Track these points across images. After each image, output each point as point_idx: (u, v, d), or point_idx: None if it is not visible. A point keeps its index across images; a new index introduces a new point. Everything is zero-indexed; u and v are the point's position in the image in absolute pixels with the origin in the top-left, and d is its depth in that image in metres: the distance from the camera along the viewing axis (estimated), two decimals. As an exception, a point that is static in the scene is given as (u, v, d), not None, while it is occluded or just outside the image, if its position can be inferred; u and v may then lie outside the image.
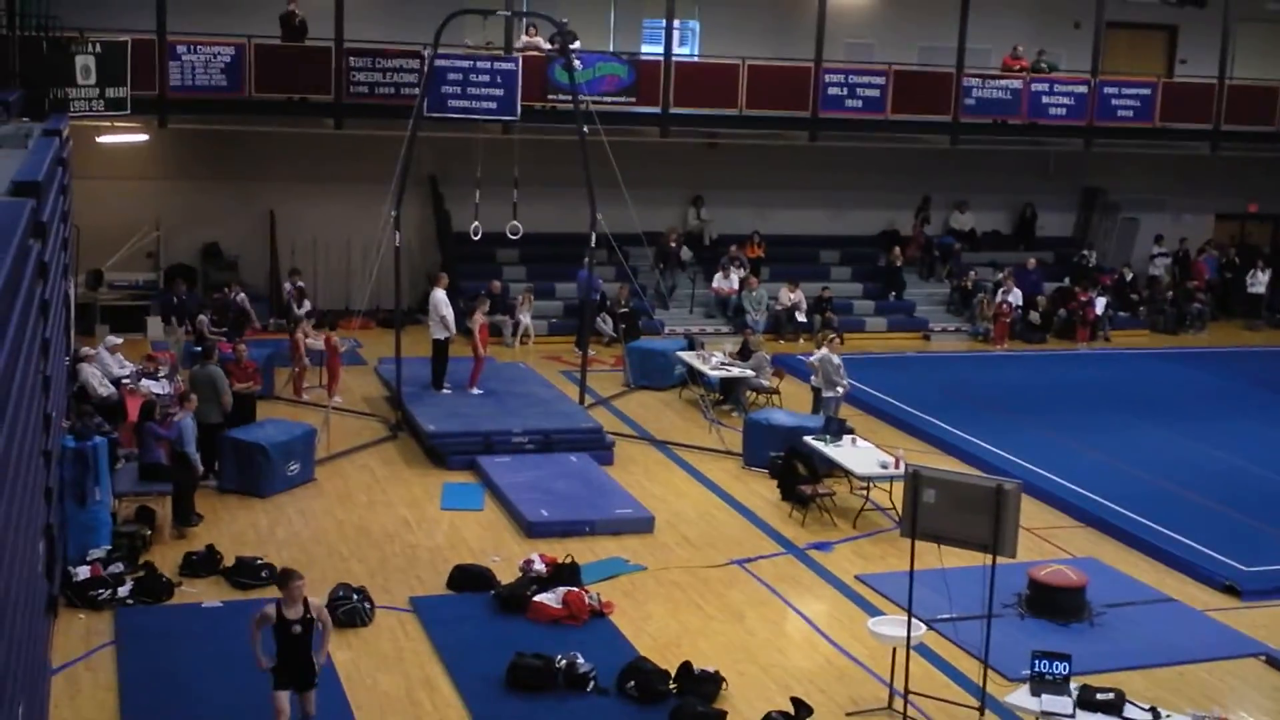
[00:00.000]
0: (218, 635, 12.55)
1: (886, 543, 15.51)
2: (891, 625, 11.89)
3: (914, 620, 11.59)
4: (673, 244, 26.44)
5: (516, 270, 26.70)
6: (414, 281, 25.15)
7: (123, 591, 13.24)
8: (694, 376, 21.25)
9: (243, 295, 22.44)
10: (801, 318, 26.60)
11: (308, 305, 22.74)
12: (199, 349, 18.51)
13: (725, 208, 28.54)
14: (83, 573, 13.27)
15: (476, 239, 20.77)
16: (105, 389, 17.55)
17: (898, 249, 28.83)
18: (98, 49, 20.35)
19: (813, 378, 19.18)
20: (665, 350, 22.46)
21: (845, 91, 26.27)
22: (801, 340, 26.09)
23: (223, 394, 16.51)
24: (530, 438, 17.86)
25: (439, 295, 19.77)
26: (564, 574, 13.80)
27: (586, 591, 13.50)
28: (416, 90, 21.00)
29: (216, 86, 22.68)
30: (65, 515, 13.50)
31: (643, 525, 15.74)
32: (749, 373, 20.95)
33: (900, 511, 12.65)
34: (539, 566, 13.92)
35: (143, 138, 23.49)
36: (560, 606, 13.21)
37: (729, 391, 21.13)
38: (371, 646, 12.57)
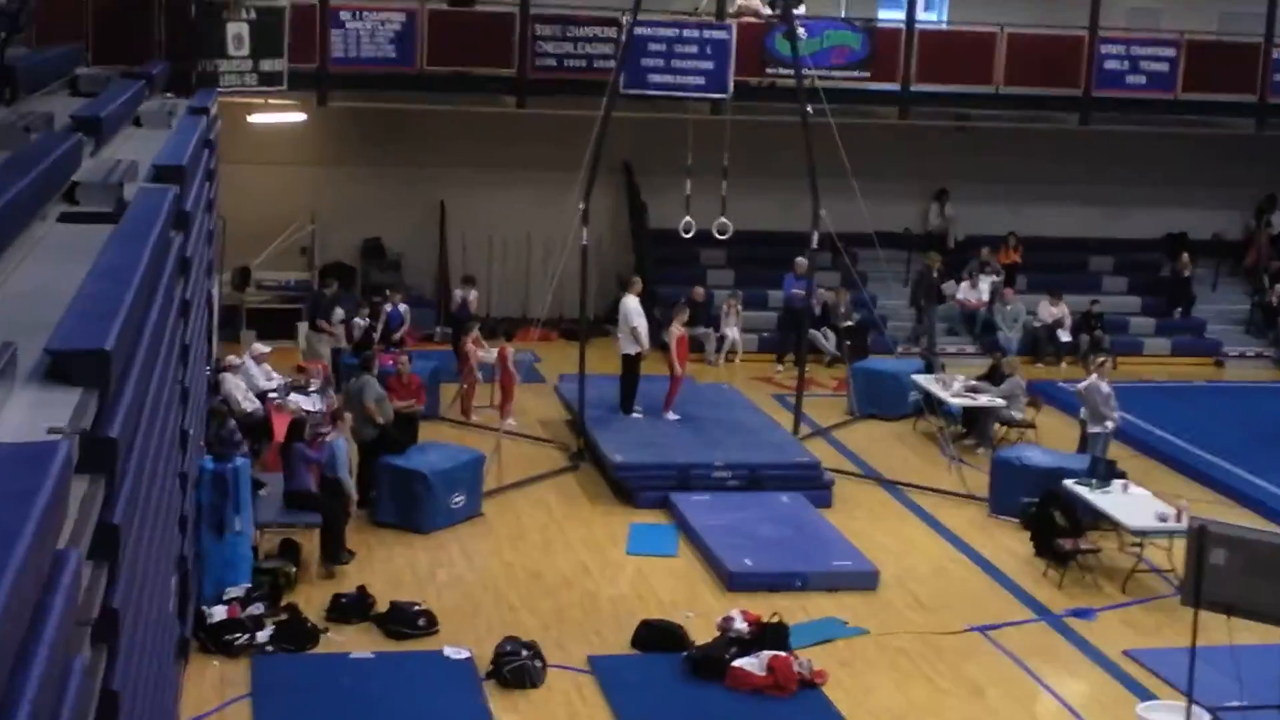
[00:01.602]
0: (367, 691, 12.81)
1: (1163, 612, 15.09)
2: (1167, 712, 11.52)
3: (1195, 707, 11.18)
4: (935, 273, 26.01)
5: (723, 275, 26.57)
6: (602, 286, 25.21)
7: (262, 637, 13.58)
8: (931, 405, 20.91)
9: (404, 306, 22.61)
10: (1065, 336, 26.08)
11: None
12: (355, 359, 18.87)
13: (974, 204, 28.07)
14: (218, 613, 13.62)
15: (689, 236, 20.68)
16: (250, 403, 18.06)
17: (1186, 255, 28.01)
18: (252, 16, 20.93)
19: (1081, 410, 18.63)
20: (897, 373, 22.26)
21: (1126, 66, 25.87)
22: (1064, 364, 25.66)
23: (367, 403, 16.68)
24: (734, 473, 17.87)
25: (631, 303, 19.83)
26: (770, 635, 13.74)
27: (796, 657, 13.42)
28: (612, 63, 21.20)
29: (384, 59, 23.16)
30: (201, 547, 13.87)
31: (865, 581, 15.63)
32: (999, 402, 20.57)
33: (1181, 575, 12.16)
34: (740, 625, 13.88)
35: (300, 117, 24.11)
36: (765, 674, 13.19)
37: (974, 424, 20.82)
38: (542, 711, 12.71)
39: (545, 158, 24.42)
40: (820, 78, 21.53)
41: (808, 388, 21.71)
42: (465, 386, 21.01)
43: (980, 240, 27.69)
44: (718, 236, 21.04)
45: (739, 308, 25.28)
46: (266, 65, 21.40)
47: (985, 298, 26.50)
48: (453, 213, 26.37)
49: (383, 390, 17.40)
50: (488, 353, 20.83)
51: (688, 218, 20.74)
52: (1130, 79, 25.99)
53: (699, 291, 24.73)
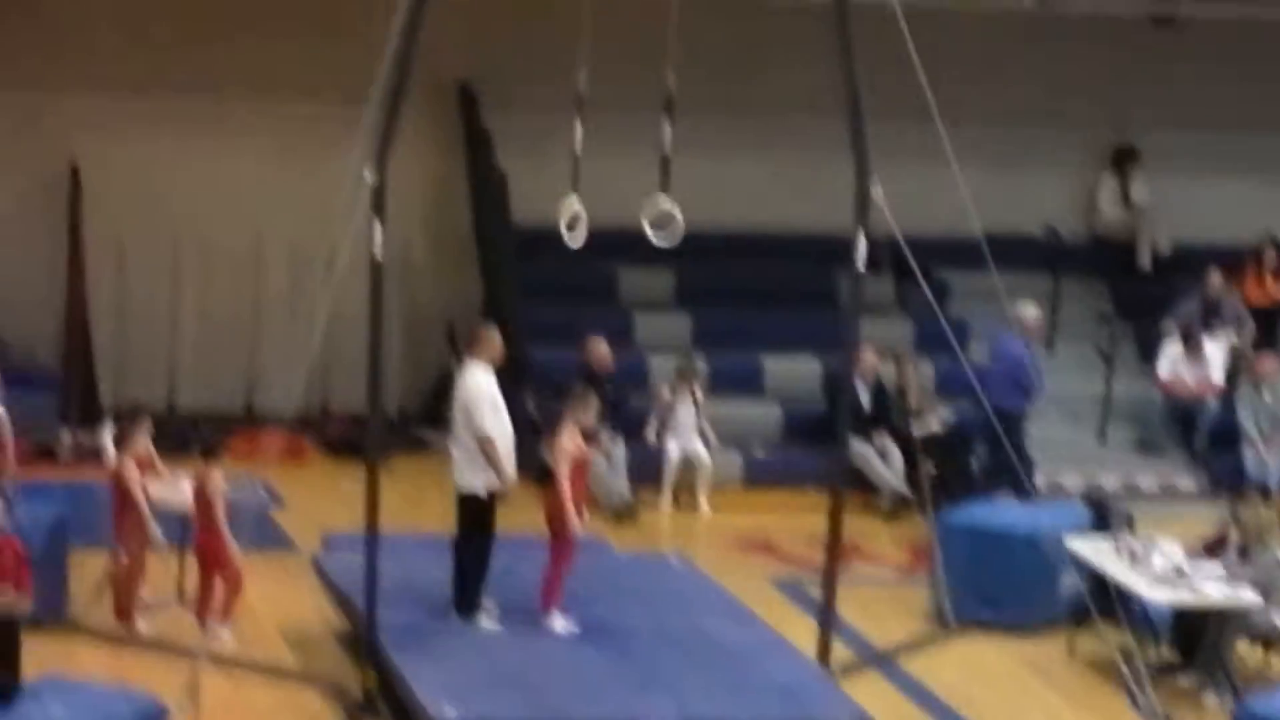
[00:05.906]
0: None
1: None
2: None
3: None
4: None
5: (668, 324, 19.60)
6: (415, 349, 19.63)
7: None
8: (1107, 598, 14.87)
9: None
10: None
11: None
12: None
13: (1192, 178, 20.38)
14: None
15: (575, 242, 14.21)
16: None
17: None
18: None
19: None
20: (1034, 533, 15.81)
21: None
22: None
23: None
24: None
25: (478, 383, 13.89)
26: None
27: None
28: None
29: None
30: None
31: None
32: (1247, 598, 14.79)
33: None
34: None
35: None
36: None
37: (1197, 641, 14.89)
38: None
39: (291, 73, 18.77)
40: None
41: (849, 562, 15.68)
42: (123, 558, 14.89)
43: (1201, 253, 19.90)
44: (654, 240, 14.21)
45: (699, 393, 17.99)
46: None
47: (1217, 375, 19.10)
48: (95, 186, 19.07)
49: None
50: (169, 486, 14.96)
51: (573, 202, 14.09)
52: None
53: (600, 350, 17.89)
